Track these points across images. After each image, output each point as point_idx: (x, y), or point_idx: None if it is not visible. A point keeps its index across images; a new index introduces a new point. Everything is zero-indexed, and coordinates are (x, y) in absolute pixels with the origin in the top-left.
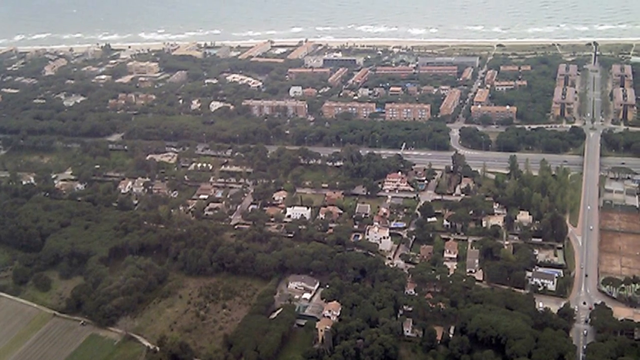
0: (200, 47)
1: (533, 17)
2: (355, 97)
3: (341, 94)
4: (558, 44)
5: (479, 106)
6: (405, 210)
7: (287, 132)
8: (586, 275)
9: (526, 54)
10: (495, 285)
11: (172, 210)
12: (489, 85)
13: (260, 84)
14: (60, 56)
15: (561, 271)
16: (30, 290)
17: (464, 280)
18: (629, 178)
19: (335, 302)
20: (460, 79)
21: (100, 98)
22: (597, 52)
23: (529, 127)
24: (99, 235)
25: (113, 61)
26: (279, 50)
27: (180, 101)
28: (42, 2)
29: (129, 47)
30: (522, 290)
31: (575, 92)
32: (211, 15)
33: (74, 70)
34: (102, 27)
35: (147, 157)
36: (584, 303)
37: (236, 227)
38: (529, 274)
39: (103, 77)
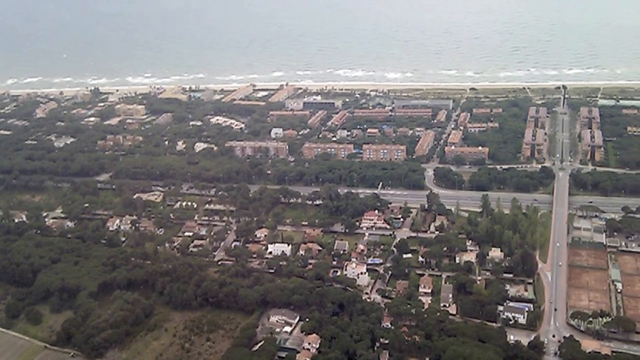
0: (185, 90)
1: (504, 61)
2: (334, 139)
3: (320, 136)
4: (528, 88)
5: (453, 147)
6: (381, 247)
7: (269, 172)
8: (555, 309)
9: (498, 97)
10: (468, 319)
11: (158, 247)
12: (462, 127)
13: (242, 125)
14: (51, 99)
15: (531, 305)
16: (22, 323)
17: (438, 314)
18: (596, 216)
19: (314, 335)
20: (435, 121)
21: (90, 139)
22: (566, 95)
23: (501, 167)
24: (88, 271)
25: (102, 104)
26: (261, 94)
27: (166, 142)
28: (33, 48)
29: (117, 90)
30: (494, 324)
31: (545, 133)
32: (196, 60)
33: (64, 112)
34: (91, 71)
35: (135, 196)
36: (554, 336)
37: (220, 263)
38: (501, 308)
39: (92, 119)
